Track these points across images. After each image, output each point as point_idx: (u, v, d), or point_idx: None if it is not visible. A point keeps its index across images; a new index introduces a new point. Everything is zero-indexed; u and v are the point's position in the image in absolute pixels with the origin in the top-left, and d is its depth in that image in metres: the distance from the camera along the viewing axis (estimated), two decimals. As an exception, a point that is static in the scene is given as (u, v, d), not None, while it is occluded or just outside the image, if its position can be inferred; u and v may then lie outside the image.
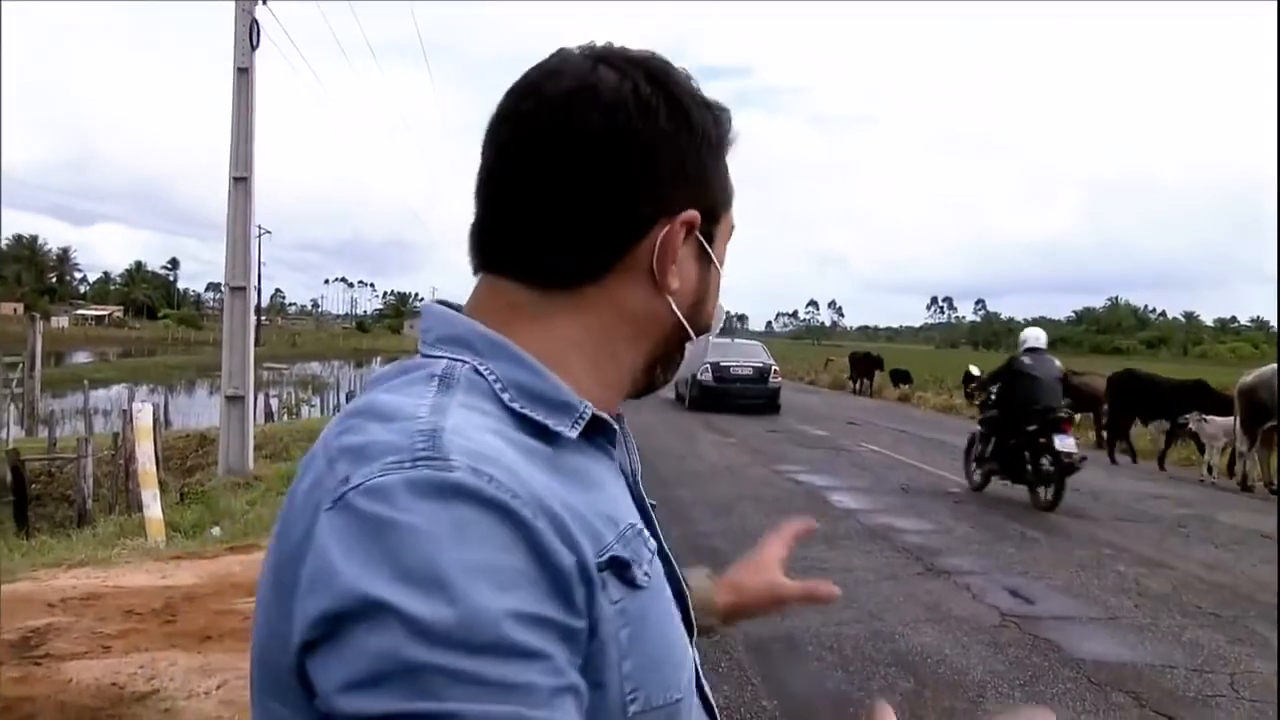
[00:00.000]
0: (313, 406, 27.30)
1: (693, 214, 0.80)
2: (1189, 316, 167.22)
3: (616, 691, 0.70)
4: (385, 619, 0.60)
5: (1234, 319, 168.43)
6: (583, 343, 0.80)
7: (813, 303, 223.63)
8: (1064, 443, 9.83)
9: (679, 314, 0.83)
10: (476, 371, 0.75)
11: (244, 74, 10.77)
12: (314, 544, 0.64)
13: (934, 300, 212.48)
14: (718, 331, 0.93)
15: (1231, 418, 12.95)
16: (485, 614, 0.61)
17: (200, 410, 25.80)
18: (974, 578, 6.85)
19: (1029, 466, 10.24)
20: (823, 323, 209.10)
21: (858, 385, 33.22)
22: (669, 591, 0.79)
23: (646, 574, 0.74)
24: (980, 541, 8.20)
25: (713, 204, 0.83)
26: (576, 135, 0.77)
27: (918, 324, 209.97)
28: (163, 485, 8.63)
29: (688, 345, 0.86)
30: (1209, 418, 13.72)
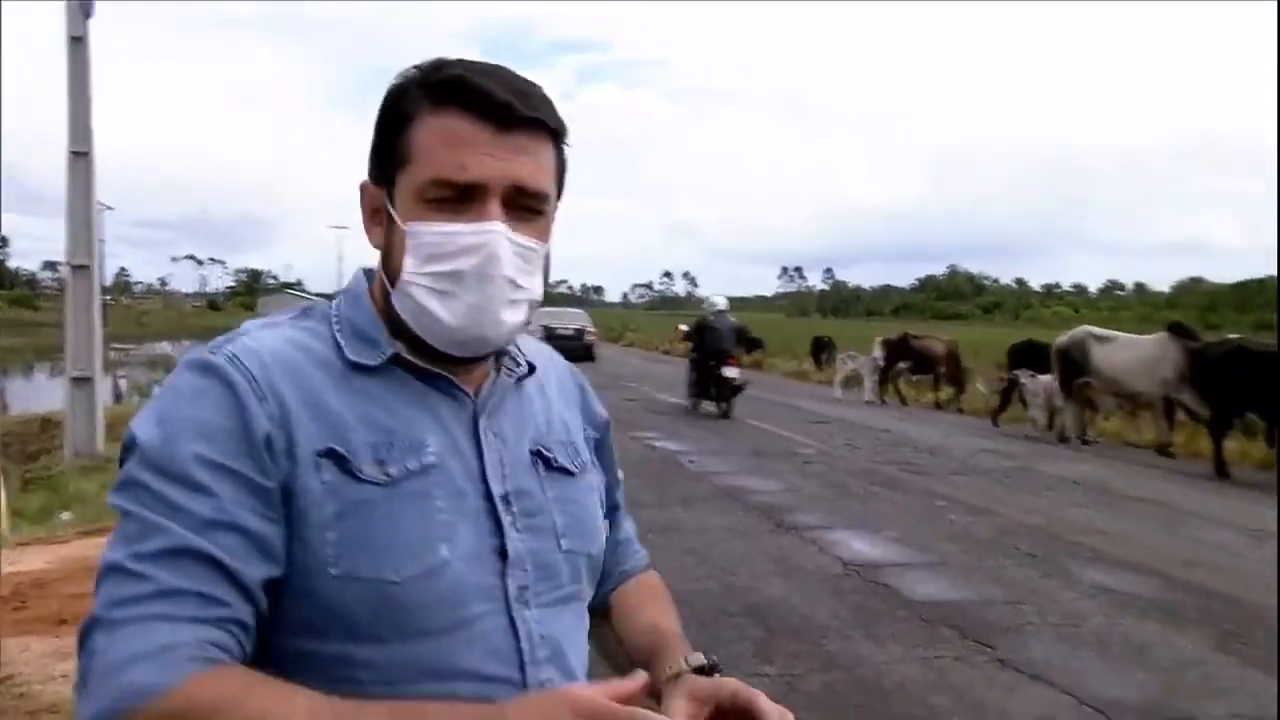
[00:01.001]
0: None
1: (361, 185, 1.03)
2: (1019, 283, 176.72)
3: (318, 551, 0.89)
4: (134, 447, 0.89)
5: (1058, 284, 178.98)
6: (382, 293, 1.04)
7: (667, 273, 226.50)
8: (729, 372, 14.39)
9: (378, 268, 1.03)
10: (332, 309, 1.04)
11: (78, 43, 10.29)
12: None
13: (784, 269, 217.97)
14: (436, 283, 0.98)
15: (1050, 376, 13.98)
16: (180, 453, 0.87)
17: (40, 393, 24.41)
18: (820, 532, 7.30)
19: (713, 389, 14.65)
20: (677, 293, 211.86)
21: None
22: (439, 502, 0.94)
23: (388, 474, 0.92)
24: (826, 499, 8.70)
25: (389, 169, 0.99)
26: None
27: (769, 293, 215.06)
28: (5, 472, 8.29)
29: (393, 297, 0.99)
30: (1036, 376, 14.80)
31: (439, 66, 0.97)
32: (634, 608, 1.20)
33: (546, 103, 0.99)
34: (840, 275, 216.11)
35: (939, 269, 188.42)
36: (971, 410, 17.82)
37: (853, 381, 19.91)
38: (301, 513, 0.90)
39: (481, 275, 0.95)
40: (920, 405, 19.19)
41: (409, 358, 1.00)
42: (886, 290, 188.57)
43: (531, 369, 1.12)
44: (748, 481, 9.34)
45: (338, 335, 1.00)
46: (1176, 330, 12.78)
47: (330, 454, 0.92)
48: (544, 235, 1.01)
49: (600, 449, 1.21)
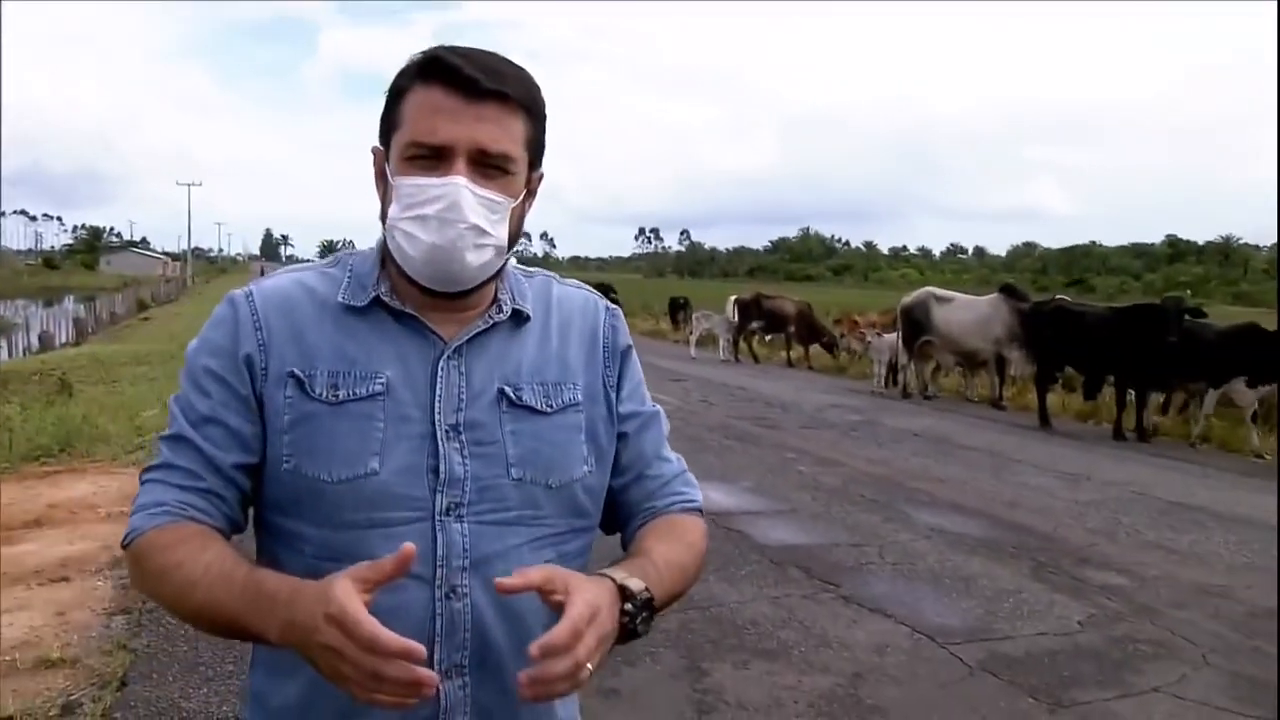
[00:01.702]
0: (0, 349, 24.50)
1: (374, 147, 1.20)
2: (869, 246, 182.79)
3: (277, 448, 1.14)
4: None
5: (905, 248, 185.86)
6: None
7: (525, 234, 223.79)
8: None
9: (380, 218, 1.20)
10: (351, 257, 1.25)
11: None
12: None
13: (641, 231, 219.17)
14: (409, 226, 1.14)
15: (894, 335, 14.72)
16: (196, 363, 1.18)
17: None
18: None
19: None
20: (535, 254, 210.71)
21: None
22: (379, 423, 1.13)
23: (335, 395, 1.14)
24: (683, 452, 8.65)
25: (386, 135, 1.17)
26: None
27: (626, 254, 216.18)
28: None
29: (387, 240, 1.18)
30: (882, 334, 15.55)
31: (434, 49, 1.14)
32: (639, 539, 1.25)
33: (520, 82, 1.14)
34: (696, 237, 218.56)
35: (792, 231, 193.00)
36: (820, 368, 18.58)
37: (708, 340, 20.43)
38: (269, 418, 1.15)
39: (442, 220, 1.11)
40: (772, 363, 19.86)
41: (386, 300, 1.18)
42: (741, 252, 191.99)
43: (524, 317, 1.23)
44: (609, 437, 9.57)
45: (346, 281, 1.20)
46: (1008, 292, 13.67)
47: (292, 375, 1.15)
48: (510, 191, 1.15)
49: (621, 379, 1.30)
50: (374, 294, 1.17)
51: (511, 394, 1.19)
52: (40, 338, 23.99)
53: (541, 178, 1.22)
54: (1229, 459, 10.40)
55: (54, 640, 4.14)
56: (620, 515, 1.31)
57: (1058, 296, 14.91)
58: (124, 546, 1.14)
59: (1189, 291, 12.82)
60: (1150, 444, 10.96)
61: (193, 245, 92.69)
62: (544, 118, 1.18)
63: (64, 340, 24.76)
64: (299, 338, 1.16)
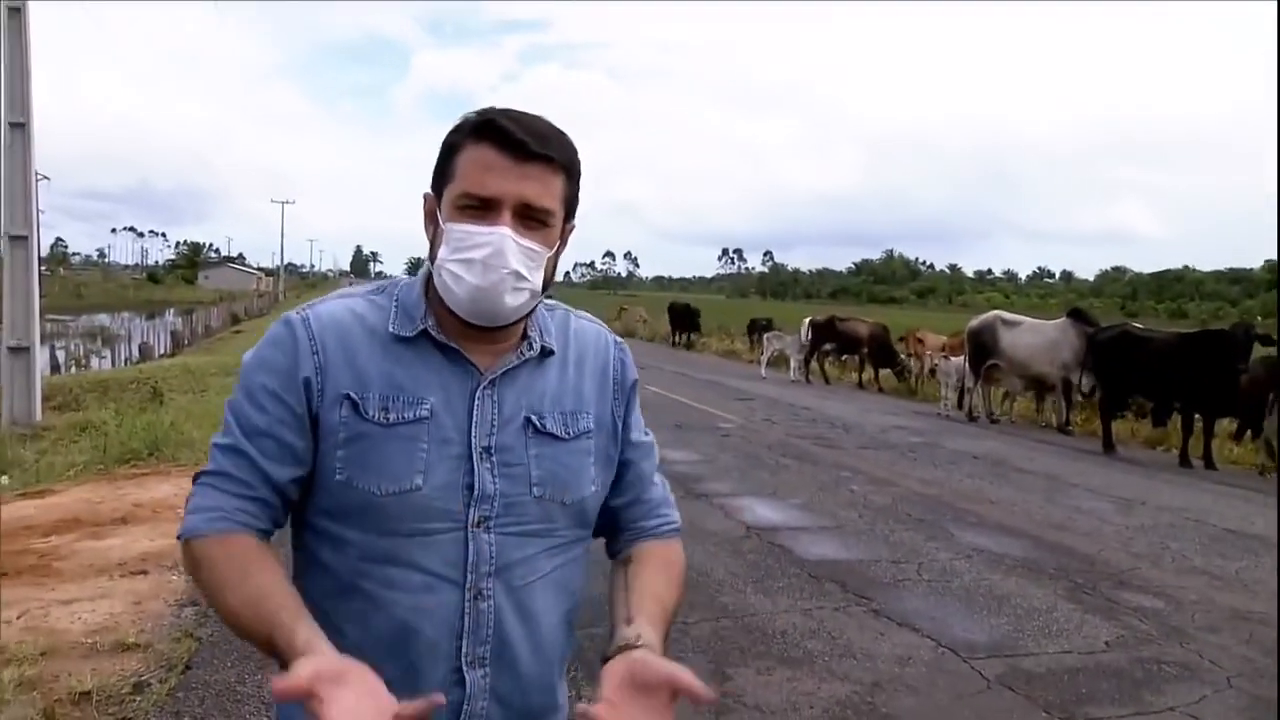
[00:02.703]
0: (103, 358, 25.76)
1: (425, 194, 1.34)
2: (953, 268, 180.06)
3: (331, 461, 1.26)
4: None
5: (990, 271, 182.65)
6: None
7: (609, 253, 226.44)
8: None
9: (428, 261, 1.33)
10: (396, 288, 1.36)
11: (16, 13, 10.32)
12: None
13: (725, 251, 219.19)
14: (456, 268, 1.26)
15: (962, 358, 14.67)
16: (254, 379, 1.29)
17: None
18: (728, 499, 7.80)
19: None
20: (619, 273, 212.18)
21: (676, 338, 31.13)
22: (424, 444, 1.26)
23: (387, 418, 1.26)
24: (739, 469, 9.21)
25: (439, 184, 1.30)
26: None
27: (709, 274, 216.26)
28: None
29: (433, 277, 1.31)
30: (950, 358, 15.50)
31: (489, 111, 1.28)
32: (634, 573, 1.39)
33: (561, 146, 1.28)
34: (779, 258, 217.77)
35: (875, 253, 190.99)
36: (890, 390, 18.54)
37: (779, 361, 20.53)
38: (323, 434, 1.27)
39: (487, 265, 1.24)
40: (843, 384, 19.86)
41: (433, 334, 1.30)
42: (824, 273, 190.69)
43: (548, 351, 1.37)
44: (667, 453, 9.73)
45: (394, 312, 1.32)
46: (1076, 316, 13.54)
47: (348, 397, 1.27)
48: (547, 241, 1.29)
49: (628, 411, 1.47)
50: (422, 326, 1.30)
51: (536, 422, 1.33)
52: (140, 348, 25.17)
53: (574, 229, 1.37)
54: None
55: (130, 626, 4.52)
56: (613, 528, 1.47)
57: (1127, 322, 14.68)
58: (180, 539, 1.26)
59: (1259, 319, 12.54)
60: (1217, 471, 10.77)
61: (285, 261, 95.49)
62: (579, 176, 1.32)
63: (162, 351, 25.94)
64: (352, 362, 1.27)
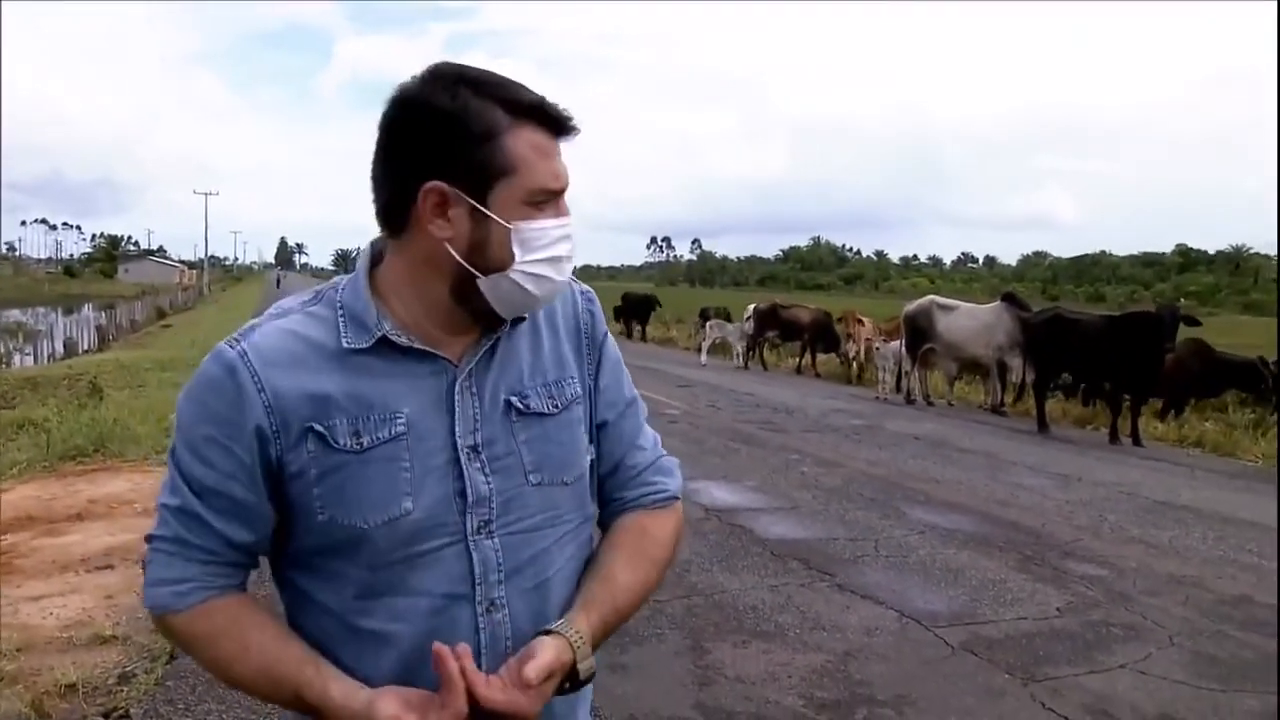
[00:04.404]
0: (27, 355, 24.86)
1: (433, 184, 1.11)
2: (880, 255, 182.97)
3: (308, 502, 1.14)
4: (178, 410, 1.18)
5: (915, 256, 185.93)
6: (404, 277, 1.19)
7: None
8: None
9: (457, 257, 1.13)
10: (337, 292, 1.21)
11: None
12: None
13: (654, 239, 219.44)
14: (550, 270, 1.16)
15: (899, 342, 15.03)
16: (196, 431, 1.14)
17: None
18: (685, 483, 7.92)
19: None
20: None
21: (629, 329, 28.87)
22: (405, 463, 1.15)
23: (359, 444, 1.13)
24: (690, 454, 9.36)
25: (474, 174, 1.11)
26: (382, 131, 1.15)
27: (638, 263, 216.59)
28: None
29: (480, 282, 1.14)
30: (888, 341, 15.86)
31: (495, 82, 1.13)
32: (596, 554, 1.31)
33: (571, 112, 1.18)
34: (708, 246, 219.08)
35: (803, 240, 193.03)
36: (827, 375, 18.91)
37: (719, 348, 20.78)
38: (294, 475, 1.14)
39: (567, 259, 1.18)
40: (781, 370, 20.19)
41: (394, 338, 1.16)
42: (752, 261, 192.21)
43: (518, 319, 1.24)
44: (619, 440, 9.92)
45: (341, 322, 1.17)
46: (1010, 300, 13.97)
47: (311, 430, 1.13)
48: None
49: (600, 366, 1.34)
50: (379, 333, 1.15)
51: (519, 403, 1.22)
52: (65, 344, 24.47)
53: None
54: (1219, 462, 10.72)
55: (105, 620, 4.52)
56: (598, 501, 1.35)
57: (1059, 305, 15.19)
58: (153, 614, 1.18)
59: (1182, 300, 13.13)
60: (1144, 447, 11.26)
61: (209, 253, 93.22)
62: None
63: (87, 347, 25.26)
64: (309, 392, 1.13)
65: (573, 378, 1.29)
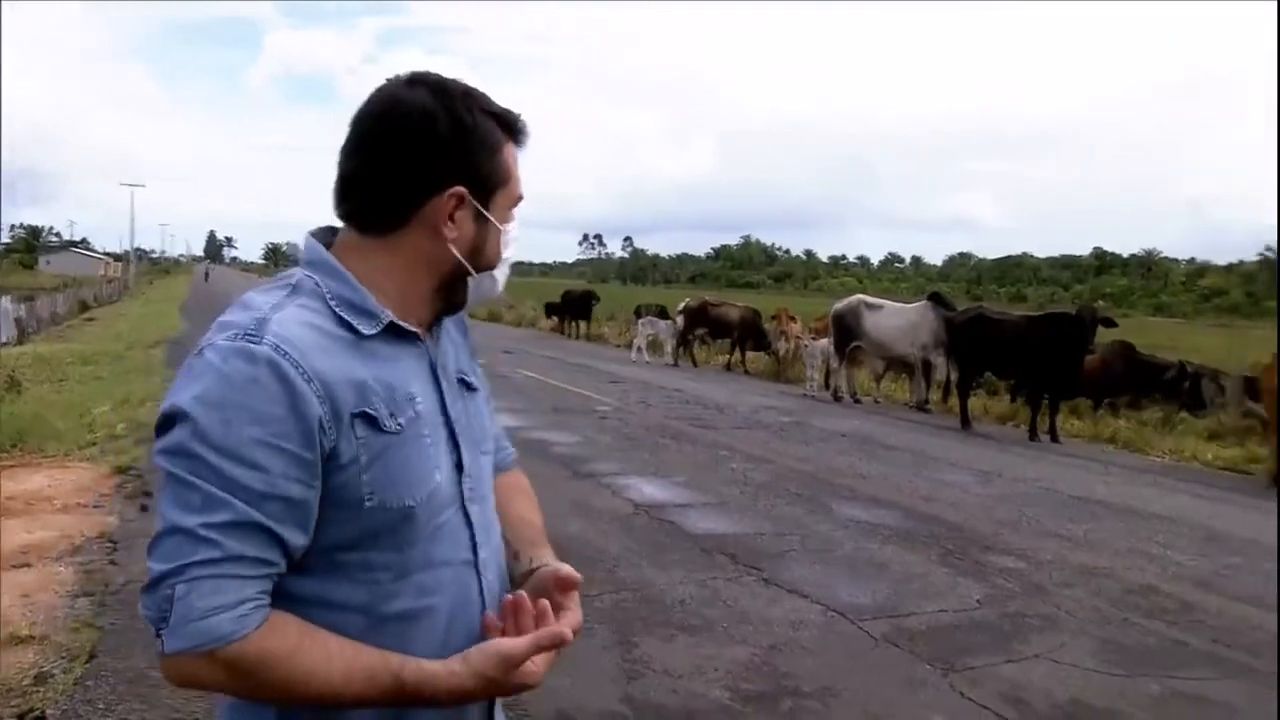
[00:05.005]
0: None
1: (458, 189, 1.22)
2: (809, 254, 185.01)
3: (356, 490, 1.14)
4: (186, 421, 1.07)
5: (844, 256, 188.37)
6: (392, 270, 1.24)
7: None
8: None
9: (459, 256, 1.25)
10: (317, 284, 1.21)
11: None
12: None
13: (585, 237, 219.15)
14: (507, 269, 1.33)
15: (827, 340, 15.25)
16: (239, 435, 1.06)
17: None
18: (614, 479, 7.97)
19: None
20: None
21: (565, 327, 28.04)
22: (428, 439, 1.21)
23: (399, 424, 1.17)
24: (620, 450, 9.40)
25: (483, 182, 1.24)
26: (386, 133, 1.21)
27: (570, 260, 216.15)
28: None
29: (470, 279, 1.28)
30: (817, 339, 16.07)
31: (486, 100, 1.27)
32: (507, 500, 1.45)
33: None
34: (639, 244, 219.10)
35: (733, 239, 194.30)
36: (756, 372, 19.10)
37: (653, 346, 20.85)
38: (345, 464, 1.14)
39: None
40: (711, 367, 20.33)
41: (399, 323, 1.22)
42: (683, 259, 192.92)
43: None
44: (549, 435, 9.92)
45: (337, 310, 1.19)
46: (935, 300, 14.27)
47: (363, 415, 1.15)
48: None
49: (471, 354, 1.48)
50: (386, 320, 1.21)
51: (465, 380, 1.35)
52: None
53: None
54: (1131, 458, 11.10)
55: (21, 619, 4.38)
56: None
57: (983, 305, 15.55)
58: (196, 651, 1.06)
59: (1099, 302, 13.55)
60: (1061, 444, 11.59)
61: (135, 246, 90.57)
62: None
63: (4, 340, 24.37)
64: (350, 378, 1.15)
65: (475, 361, 1.44)
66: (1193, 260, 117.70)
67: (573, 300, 27.92)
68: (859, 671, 4.27)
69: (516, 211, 1.32)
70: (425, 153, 1.20)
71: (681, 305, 20.40)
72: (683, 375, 18.01)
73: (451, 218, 1.23)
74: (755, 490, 7.82)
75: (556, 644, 1.19)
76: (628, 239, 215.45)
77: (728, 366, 19.95)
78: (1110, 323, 11.92)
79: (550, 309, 29.48)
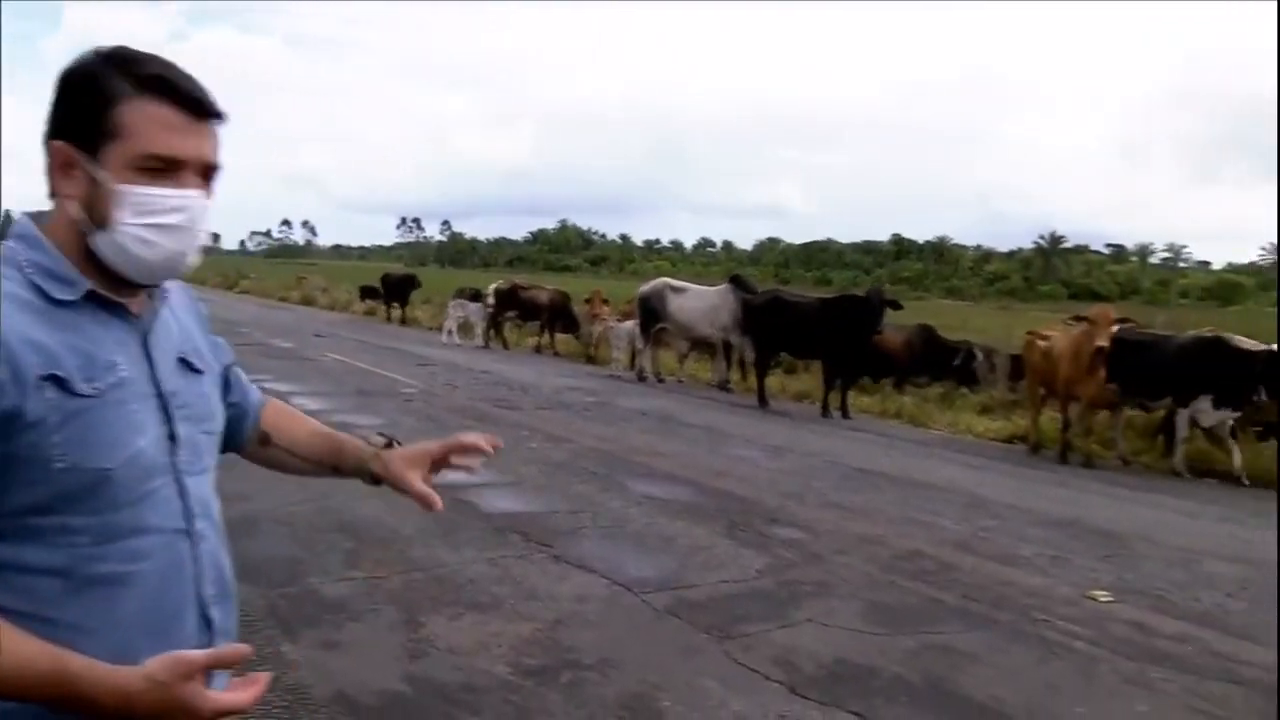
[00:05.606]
0: None
1: (55, 144, 1.22)
2: (624, 238, 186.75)
3: (46, 450, 1.14)
4: None
5: (658, 240, 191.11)
6: (60, 236, 1.26)
7: (286, 222, 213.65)
8: None
9: (76, 212, 1.23)
10: (15, 254, 1.23)
11: None
12: None
13: (403, 220, 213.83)
14: (148, 234, 1.23)
15: (633, 322, 15.49)
16: None
17: None
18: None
19: None
20: (296, 242, 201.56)
21: (389, 311, 26.89)
22: (132, 406, 1.23)
23: (96, 389, 1.19)
24: (423, 432, 9.23)
25: (90, 138, 1.20)
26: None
27: (389, 243, 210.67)
28: None
29: (97, 239, 1.22)
30: (621, 321, 16.28)
31: (137, 60, 1.23)
32: (288, 426, 1.61)
33: (218, 102, 1.29)
34: (457, 227, 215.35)
35: (550, 223, 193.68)
36: (565, 353, 19.21)
37: (464, 329, 20.62)
38: (31, 424, 1.14)
39: (182, 230, 1.24)
40: (521, 349, 20.30)
41: (101, 292, 1.24)
42: (501, 243, 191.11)
43: (163, 293, 1.39)
44: (351, 418, 9.62)
45: (32, 278, 1.20)
46: (736, 282, 14.70)
47: (50, 378, 1.15)
48: (212, 197, 1.30)
49: (214, 345, 1.52)
50: (85, 288, 1.22)
51: (186, 361, 1.37)
52: None
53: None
54: (915, 432, 11.84)
55: None
56: (240, 423, 1.57)
57: (778, 288, 16.15)
58: None
59: (886, 286, 14.32)
60: (851, 419, 12.22)
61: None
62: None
63: None
64: (33, 342, 1.15)
65: (201, 348, 1.46)
66: (979, 247, 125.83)
67: (392, 283, 27.04)
68: (639, 642, 4.39)
69: (174, 176, 1.23)
70: (51, 110, 1.24)
71: (492, 288, 20.25)
72: (492, 357, 17.90)
73: (69, 174, 1.23)
74: (553, 469, 7.88)
75: (236, 661, 1.21)
76: (446, 223, 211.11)
77: (537, 349, 19.95)
78: (896, 305, 12.62)
79: (366, 292, 28.72)
